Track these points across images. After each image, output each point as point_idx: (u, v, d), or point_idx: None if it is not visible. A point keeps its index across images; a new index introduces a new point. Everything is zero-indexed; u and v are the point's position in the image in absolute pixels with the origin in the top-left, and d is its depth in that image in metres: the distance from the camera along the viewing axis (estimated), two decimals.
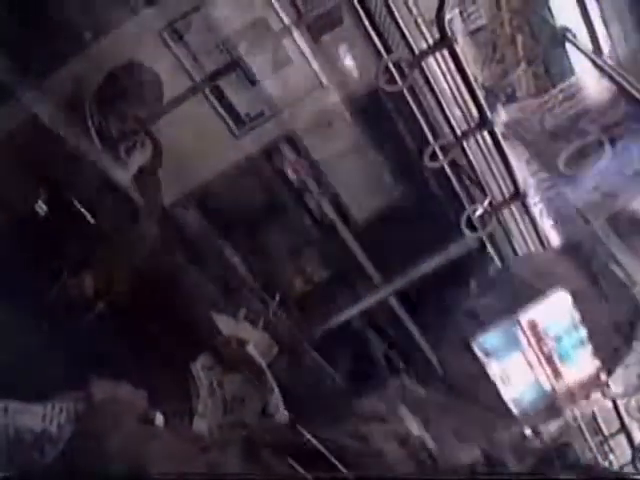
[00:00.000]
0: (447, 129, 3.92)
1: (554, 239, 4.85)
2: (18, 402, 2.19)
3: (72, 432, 2.10)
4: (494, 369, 5.20)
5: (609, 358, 4.78)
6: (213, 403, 4.39)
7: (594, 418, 4.79)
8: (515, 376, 5.23)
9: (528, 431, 5.20)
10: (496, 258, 4.03)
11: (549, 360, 5.17)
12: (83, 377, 2.30)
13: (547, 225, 5.18)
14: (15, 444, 2.07)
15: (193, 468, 1.87)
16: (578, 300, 4.23)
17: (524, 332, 5.13)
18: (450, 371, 4.31)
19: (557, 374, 5.12)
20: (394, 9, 3.68)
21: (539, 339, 5.14)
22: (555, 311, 4.86)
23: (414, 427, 3.09)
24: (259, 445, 1.79)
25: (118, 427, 2.00)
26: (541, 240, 3.81)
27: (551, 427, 5.47)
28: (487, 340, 5.18)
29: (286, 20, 4.41)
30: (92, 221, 4.09)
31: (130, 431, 1.99)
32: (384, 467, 1.62)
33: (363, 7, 4.13)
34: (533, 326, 5.12)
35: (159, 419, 2.28)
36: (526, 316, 4.97)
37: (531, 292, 4.39)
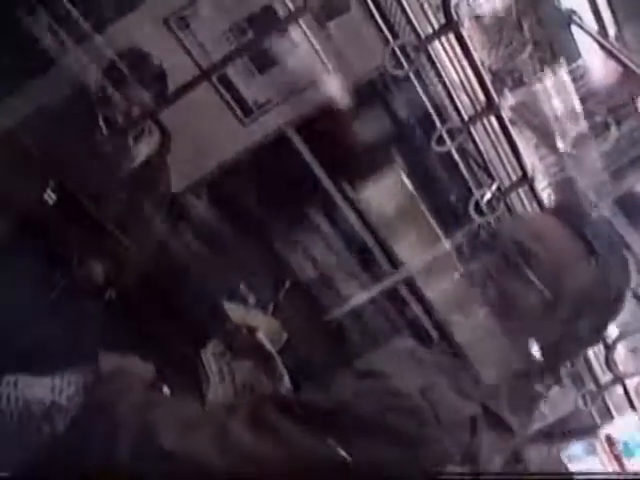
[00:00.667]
0: (454, 113, 3.92)
1: None
2: (27, 375, 2.20)
3: (81, 403, 2.11)
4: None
5: None
6: (223, 389, 4.40)
7: (602, 398, 4.81)
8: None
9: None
10: None
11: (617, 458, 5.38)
12: (91, 356, 2.30)
13: None
14: (25, 416, 2.08)
15: (200, 436, 1.88)
16: None
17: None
18: None
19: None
20: None
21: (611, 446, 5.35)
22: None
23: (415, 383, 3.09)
24: (266, 409, 1.80)
25: (126, 397, 2.00)
26: None
27: None
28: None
29: (292, 7, 4.41)
30: (101, 209, 4.10)
31: (137, 401, 1.99)
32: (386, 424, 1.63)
33: None
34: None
35: (166, 392, 2.30)
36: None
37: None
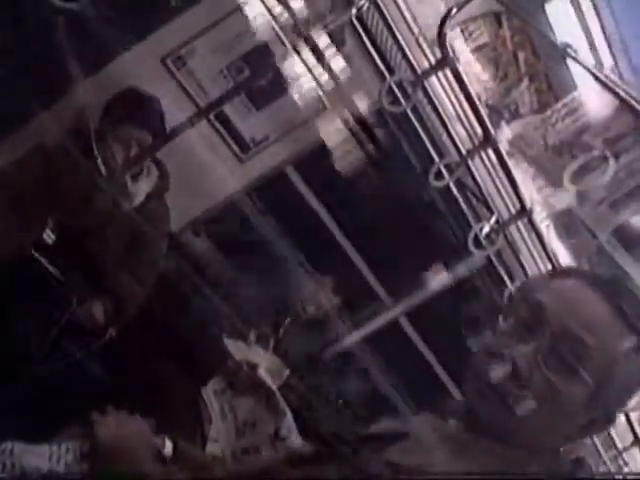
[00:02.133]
0: (452, 148, 3.92)
1: (562, 254, 4.85)
2: (24, 443, 2.18)
3: (80, 473, 2.09)
4: None
5: None
6: (225, 427, 4.39)
7: (607, 432, 4.78)
8: None
9: None
10: (505, 276, 4.03)
11: None
12: (92, 406, 2.27)
13: (554, 240, 5.19)
14: None
15: None
16: None
17: None
18: None
19: None
20: (395, 29, 3.69)
21: None
22: None
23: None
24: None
25: (125, 465, 1.97)
26: (549, 256, 3.81)
27: None
28: None
29: (288, 44, 4.43)
30: (100, 248, 4.10)
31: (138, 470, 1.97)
32: None
33: (364, 28, 4.14)
34: None
35: (168, 447, 2.24)
36: None
37: None
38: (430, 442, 1.70)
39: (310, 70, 4.38)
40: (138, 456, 2.06)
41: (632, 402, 1.80)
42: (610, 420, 1.76)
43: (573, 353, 1.59)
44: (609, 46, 5.13)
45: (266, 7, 4.13)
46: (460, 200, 4.02)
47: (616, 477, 4.03)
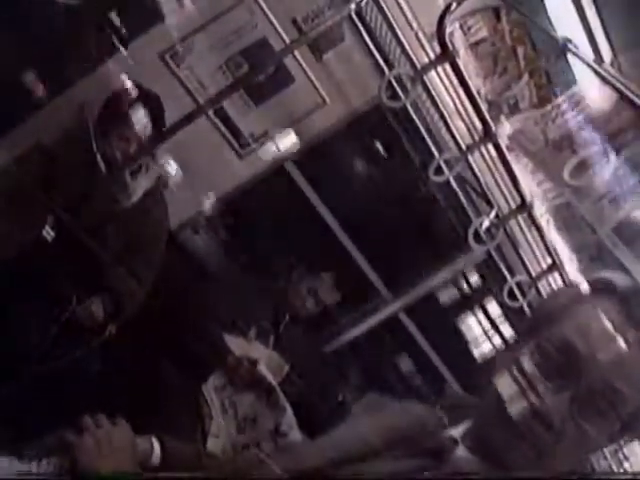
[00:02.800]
0: (452, 143, 3.92)
1: (561, 249, 4.84)
2: (5, 458, 2.15)
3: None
4: None
5: None
6: (226, 423, 4.38)
7: None
8: None
9: None
10: (505, 270, 4.02)
11: None
12: (88, 409, 2.24)
13: (554, 235, 5.18)
14: None
15: None
16: None
17: None
18: None
19: None
20: (394, 25, 3.68)
21: None
22: None
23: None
24: None
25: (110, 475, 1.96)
26: (549, 250, 3.80)
27: None
28: None
29: (287, 40, 4.42)
30: (100, 246, 4.09)
31: None
32: None
33: (363, 24, 4.14)
34: None
35: (155, 449, 2.20)
36: None
37: None
38: None
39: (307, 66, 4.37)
40: (124, 466, 2.04)
41: None
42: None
43: (608, 402, 1.57)
44: (609, 40, 5.12)
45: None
46: (460, 195, 4.01)
47: (616, 476, 4.02)
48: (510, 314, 5.46)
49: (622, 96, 3.36)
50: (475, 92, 3.26)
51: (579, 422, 1.58)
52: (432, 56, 3.71)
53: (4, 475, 2.07)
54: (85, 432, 2.07)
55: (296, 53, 4.49)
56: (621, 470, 4.85)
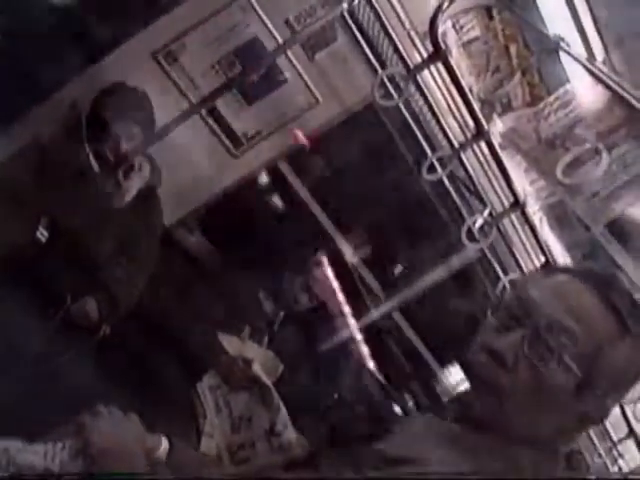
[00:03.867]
0: (444, 141, 3.92)
1: (555, 247, 4.85)
2: (19, 441, 2.16)
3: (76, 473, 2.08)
4: None
5: None
6: (220, 422, 4.39)
7: (602, 424, 4.78)
8: None
9: None
10: (498, 268, 4.02)
11: None
12: (86, 403, 2.25)
13: (547, 233, 5.19)
14: None
15: None
16: None
17: None
18: None
19: None
20: (387, 24, 3.68)
21: None
22: None
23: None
24: None
25: (119, 465, 1.97)
26: (542, 248, 3.80)
27: None
28: None
29: (280, 39, 4.42)
30: (93, 245, 4.09)
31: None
32: None
33: (356, 23, 4.14)
34: None
35: (163, 446, 2.22)
36: None
37: None
38: (428, 439, 1.71)
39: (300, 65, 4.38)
40: (133, 457, 2.06)
41: (628, 395, 1.80)
42: (603, 414, 1.76)
43: (559, 341, 1.60)
44: (601, 38, 5.12)
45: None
46: (453, 193, 4.02)
47: (616, 477, 4.03)
48: None
49: (614, 94, 3.37)
50: (468, 90, 3.27)
51: (532, 361, 1.61)
52: (425, 55, 3.72)
53: (18, 458, 2.09)
54: (99, 416, 2.10)
55: (289, 52, 4.49)
56: (615, 468, 4.86)
